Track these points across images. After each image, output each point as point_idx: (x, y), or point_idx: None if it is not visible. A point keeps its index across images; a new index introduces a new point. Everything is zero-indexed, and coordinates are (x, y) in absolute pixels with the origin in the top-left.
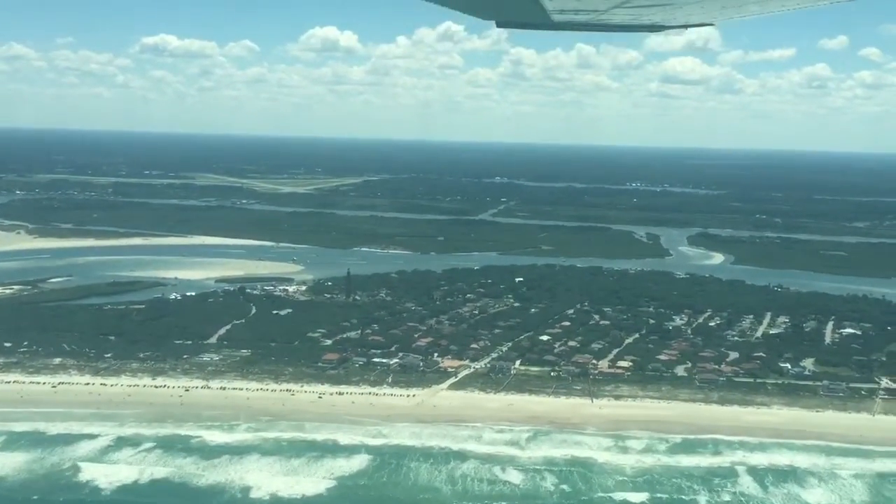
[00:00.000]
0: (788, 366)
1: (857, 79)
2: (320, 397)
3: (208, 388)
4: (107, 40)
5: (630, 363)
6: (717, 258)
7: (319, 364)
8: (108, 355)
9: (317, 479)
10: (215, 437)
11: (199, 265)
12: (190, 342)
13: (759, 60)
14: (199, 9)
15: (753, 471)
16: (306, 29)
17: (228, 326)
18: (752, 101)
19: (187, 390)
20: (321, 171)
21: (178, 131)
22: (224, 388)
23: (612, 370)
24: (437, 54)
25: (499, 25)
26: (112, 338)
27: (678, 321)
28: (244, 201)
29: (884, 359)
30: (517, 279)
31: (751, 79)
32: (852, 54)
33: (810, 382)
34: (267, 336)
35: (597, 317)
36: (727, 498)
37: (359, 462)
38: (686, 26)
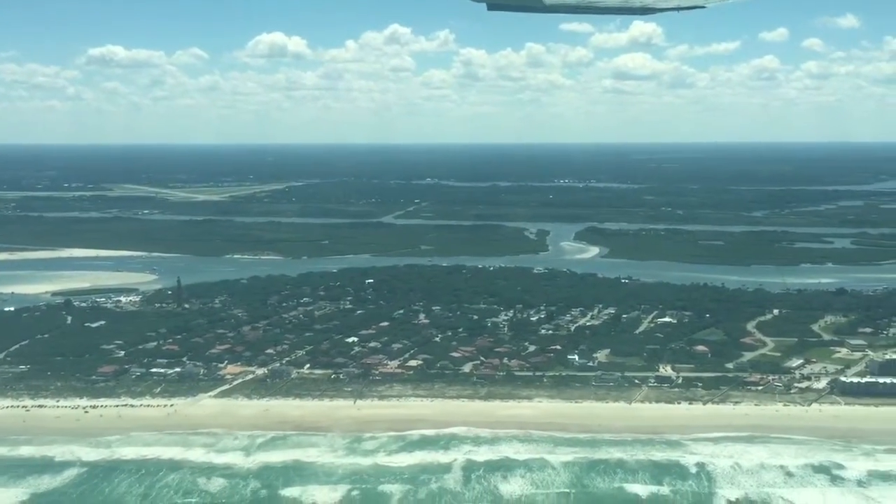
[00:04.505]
0: (576, 358)
1: (804, 70)
2: (87, 411)
3: None
4: (52, 53)
5: (420, 362)
6: (592, 252)
7: (93, 377)
8: None
9: (8, 496)
10: None
11: (48, 279)
12: None
13: (705, 54)
14: (142, 18)
15: (469, 465)
16: (252, 35)
17: (26, 342)
18: (706, 94)
19: None
20: (252, 178)
21: (140, 142)
22: None
23: (397, 370)
24: (387, 57)
25: (490, 8)
26: None
27: (501, 317)
28: (146, 211)
29: (682, 346)
30: (368, 281)
31: (702, 72)
32: (796, 46)
33: (589, 374)
34: (59, 350)
35: (422, 316)
36: (422, 495)
37: (63, 478)
38: (678, 9)
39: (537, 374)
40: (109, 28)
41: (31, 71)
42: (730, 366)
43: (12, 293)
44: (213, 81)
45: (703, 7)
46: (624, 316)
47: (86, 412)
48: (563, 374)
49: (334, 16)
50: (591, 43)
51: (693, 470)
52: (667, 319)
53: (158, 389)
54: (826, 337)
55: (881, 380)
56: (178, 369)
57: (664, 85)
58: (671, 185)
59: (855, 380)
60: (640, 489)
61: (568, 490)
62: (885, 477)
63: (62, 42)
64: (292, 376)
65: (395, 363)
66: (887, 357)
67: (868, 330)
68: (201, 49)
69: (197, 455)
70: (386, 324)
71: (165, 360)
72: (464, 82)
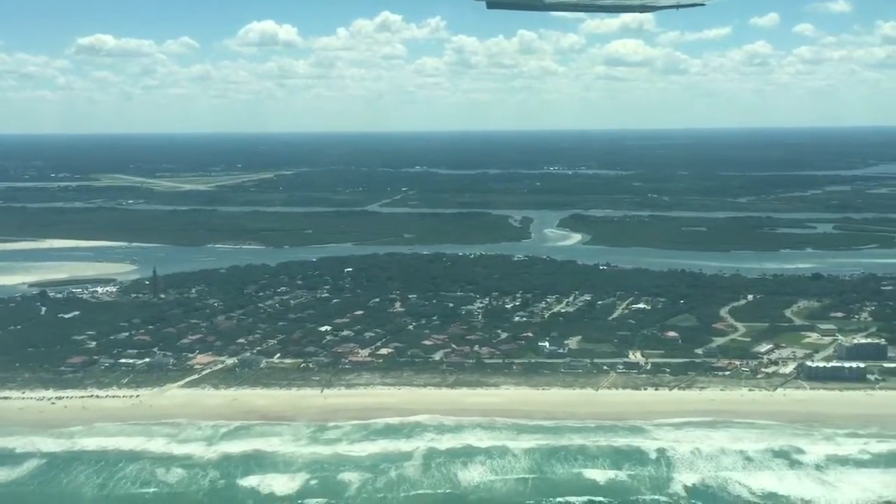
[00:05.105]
0: (547, 345)
1: (796, 55)
2: (53, 403)
3: None
4: (40, 42)
5: (391, 350)
6: (574, 239)
7: (61, 368)
8: None
9: None
10: None
11: (27, 270)
12: None
13: (697, 40)
14: (131, 7)
15: (430, 453)
16: (243, 23)
17: None
18: (699, 80)
19: None
20: (241, 167)
21: (131, 132)
22: None
23: (367, 358)
24: (378, 45)
25: (490, 6)
26: None
27: (476, 305)
28: (131, 201)
29: (653, 332)
30: (346, 270)
31: (694, 58)
32: (787, 31)
33: (559, 360)
34: (30, 341)
35: (398, 304)
36: (380, 483)
37: (23, 469)
38: (677, 7)
39: (507, 361)
40: (98, 17)
41: (20, 60)
42: (699, 351)
43: None
44: (204, 70)
45: (703, 4)
46: (599, 302)
47: (52, 404)
48: (533, 361)
49: (325, 3)
50: (583, 29)
51: (653, 455)
52: (641, 306)
53: (126, 380)
54: (797, 322)
55: (847, 364)
56: (147, 360)
57: (657, 71)
58: (660, 171)
59: (821, 364)
60: (599, 475)
61: (527, 476)
62: (843, 461)
63: (51, 31)
64: (262, 366)
65: (365, 352)
66: (855, 341)
67: (840, 314)
68: (192, 38)
69: (158, 445)
70: (360, 312)
71: (135, 351)
72: (456, 70)
